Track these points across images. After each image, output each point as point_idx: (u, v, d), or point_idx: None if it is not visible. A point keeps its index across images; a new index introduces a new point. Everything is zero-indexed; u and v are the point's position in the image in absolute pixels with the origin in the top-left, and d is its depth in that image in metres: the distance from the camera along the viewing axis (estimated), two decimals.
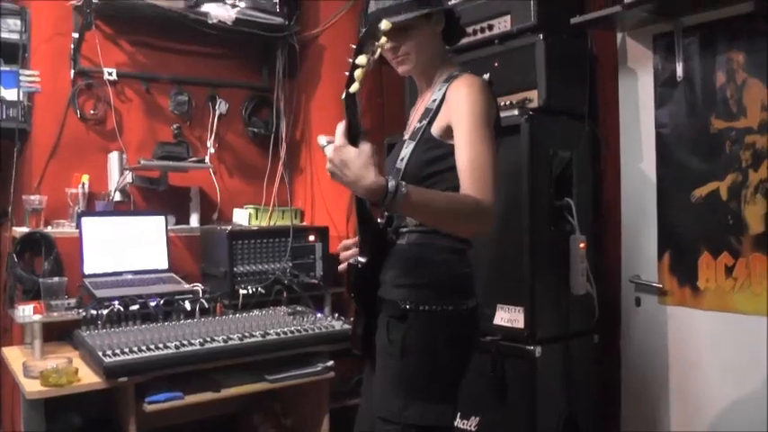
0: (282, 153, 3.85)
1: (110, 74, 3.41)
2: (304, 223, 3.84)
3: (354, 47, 1.59)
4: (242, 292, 3.19)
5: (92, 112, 3.40)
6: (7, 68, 3.17)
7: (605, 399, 2.86)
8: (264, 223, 3.68)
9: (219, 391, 2.61)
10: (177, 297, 2.98)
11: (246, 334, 2.73)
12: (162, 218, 3.36)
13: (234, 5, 3.50)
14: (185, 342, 2.58)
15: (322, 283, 3.46)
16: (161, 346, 2.52)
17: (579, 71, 2.81)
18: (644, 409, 2.80)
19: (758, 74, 2.45)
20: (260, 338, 2.72)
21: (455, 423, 2.47)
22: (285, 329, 2.83)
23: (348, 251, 2.00)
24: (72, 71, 3.34)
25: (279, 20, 3.65)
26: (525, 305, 2.53)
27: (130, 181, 3.42)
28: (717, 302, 2.57)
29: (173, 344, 2.54)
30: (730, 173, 2.52)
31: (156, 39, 3.60)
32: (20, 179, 3.23)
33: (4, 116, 3.12)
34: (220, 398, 2.63)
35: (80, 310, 2.83)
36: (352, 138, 1.59)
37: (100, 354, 2.41)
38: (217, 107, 3.78)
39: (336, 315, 3.17)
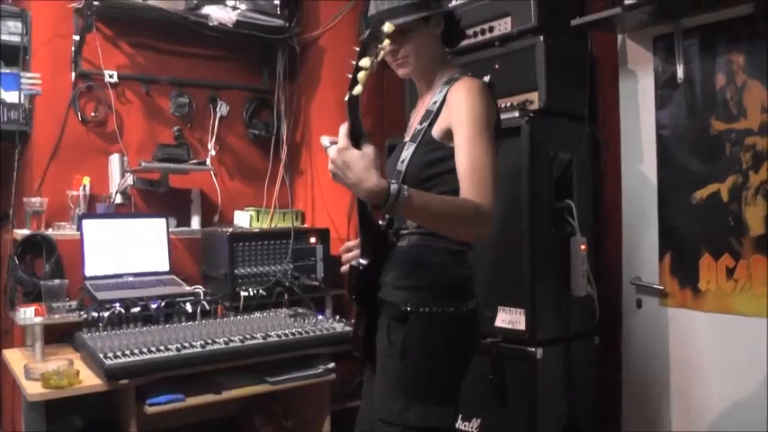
0: (283, 155, 3.86)
1: (110, 76, 3.41)
2: (305, 225, 3.84)
3: (357, 49, 1.59)
4: (243, 294, 3.19)
5: (92, 114, 3.40)
6: (8, 71, 3.18)
7: (606, 400, 2.86)
8: (265, 225, 3.69)
9: (220, 393, 2.62)
10: (178, 299, 2.99)
11: (247, 336, 2.73)
12: (163, 220, 3.36)
13: (234, 8, 3.50)
14: (186, 344, 2.58)
15: (323, 284, 3.46)
16: (162, 348, 2.52)
17: (579, 73, 2.81)
18: (645, 411, 2.80)
19: (758, 75, 2.45)
20: (261, 340, 2.72)
21: (456, 425, 2.48)
22: (286, 331, 2.83)
23: (350, 253, 2.00)
24: (73, 73, 3.34)
25: (279, 22, 3.65)
26: (526, 307, 2.53)
27: (131, 183, 3.43)
28: (718, 304, 2.57)
29: (174, 346, 2.55)
30: (731, 174, 2.52)
31: (156, 41, 3.60)
32: (21, 181, 3.24)
33: (5, 118, 3.13)
34: (221, 400, 2.63)
35: (81, 313, 2.82)
36: (355, 140, 1.59)
37: (101, 356, 2.41)
38: (217, 109, 3.79)
39: (337, 317, 3.17)
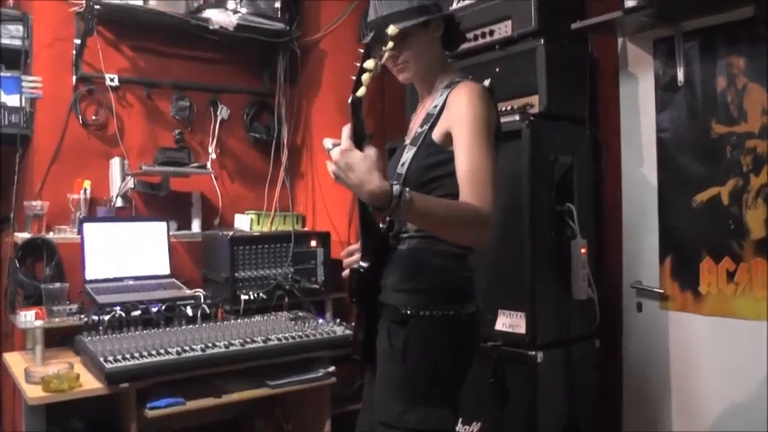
0: (284, 158, 3.86)
1: (111, 79, 3.42)
2: (305, 228, 3.84)
3: (362, 51, 1.59)
4: (243, 297, 3.19)
5: (93, 117, 3.41)
6: (9, 74, 3.19)
7: (606, 404, 2.86)
8: (266, 228, 3.69)
9: (221, 396, 2.62)
10: (179, 303, 2.99)
11: (248, 339, 2.73)
12: (163, 223, 3.36)
13: (235, 11, 3.51)
14: (187, 348, 2.58)
15: (323, 288, 3.46)
16: (162, 351, 2.53)
17: (580, 76, 2.81)
18: (645, 415, 2.80)
19: (759, 78, 2.45)
20: (261, 344, 2.72)
21: (456, 428, 2.48)
22: (286, 335, 2.83)
23: (352, 257, 2.01)
24: (74, 77, 3.35)
25: (280, 25, 3.66)
26: (526, 310, 2.53)
27: (132, 186, 3.43)
28: (718, 308, 2.56)
29: (174, 349, 2.55)
30: (731, 178, 2.52)
31: (157, 44, 3.61)
32: (21, 185, 3.24)
33: (6, 122, 3.13)
34: (222, 403, 2.63)
35: (81, 316, 2.83)
36: (358, 142, 1.59)
37: (101, 359, 2.41)
38: (218, 112, 3.79)
39: (338, 320, 3.17)
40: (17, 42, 3.20)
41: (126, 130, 3.50)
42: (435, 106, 1.88)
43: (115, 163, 3.41)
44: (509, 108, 2.72)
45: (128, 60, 3.52)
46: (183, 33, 3.51)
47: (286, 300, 3.31)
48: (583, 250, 2.60)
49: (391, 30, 1.59)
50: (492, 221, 1.69)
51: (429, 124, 1.86)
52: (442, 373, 1.82)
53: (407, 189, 1.58)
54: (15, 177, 3.22)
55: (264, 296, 3.25)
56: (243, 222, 3.69)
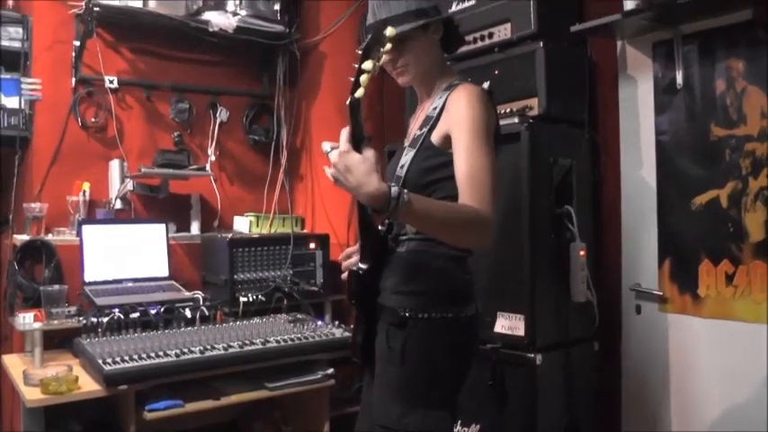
0: (283, 160, 3.86)
1: (111, 81, 3.42)
2: (304, 231, 3.84)
3: (360, 52, 1.60)
4: (242, 299, 3.19)
5: (93, 119, 3.41)
6: (8, 76, 3.19)
7: (606, 406, 2.85)
8: (265, 231, 3.69)
9: (220, 398, 2.62)
10: (177, 305, 2.99)
11: (247, 342, 2.73)
12: (162, 225, 3.36)
13: (235, 13, 3.51)
14: (185, 350, 2.58)
15: (322, 290, 3.46)
16: (161, 353, 2.52)
17: (579, 79, 2.81)
18: (645, 417, 2.79)
19: (758, 81, 2.45)
20: (260, 346, 2.72)
21: (455, 430, 2.48)
22: (285, 337, 2.83)
23: (350, 259, 2.01)
24: (73, 79, 3.35)
25: (279, 28, 3.67)
26: (525, 313, 2.53)
27: (131, 189, 3.43)
28: (717, 310, 2.56)
29: (173, 352, 2.55)
30: (730, 180, 2.52)
31: (157, 46, 3.61)
32: (21, 187, 3.24)
33: (6, 124, 3.13)
34: (220, 406, 2.63)
35: (80, 318, 2.83)
36: (356, 144, 1.59)
37: (100, 361, 2.41)
38: (217, 115, 3.79)
39: (336, 323, 3.17)
40: (17, 44, 3.20)
41: (125, 132, 3.50)
42: (434, 108, 1.88)
43: (114, 165, 3.41)
44: (508, 110, 2.72)
45: (127, 62, 3.52)
46: (183, 35, 3.51)
47: (285, 302, 3.31)
48: (582, 253, 2.60)
49: (389, 31, 1.59)
50: (492, 224, 1.69)
51: (428, 127, 1.86)
52: (440, 375, 1.82)
53: (406, 191, 1.58)
54: (14, 179, 3.22)
55: (263, 298, 3.25)
56: (242, 224, 3.69)
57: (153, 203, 3.54)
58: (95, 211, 3.32)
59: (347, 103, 1.59)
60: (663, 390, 2.74)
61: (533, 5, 2.66)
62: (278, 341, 2.78)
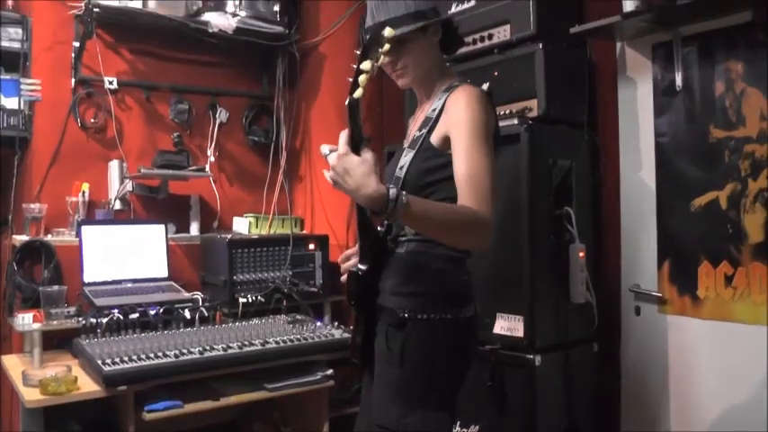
0: (282, 161, 3.86)
1: (110, 82, 3.41)
2: (304, 232, 3.84)
3: (359, 53, 1.60)
4: (241, 300, 3.19)
5: (92, 120, 3.41)
6: (8, 77, 3.19)
7: (605, 407, 2.86)
8: (264, 232, 3.69)
9: (219, 399, 2.61)
10: (177, 305, 2.99)
11: (246, 342, 2.73)
12: (162, 226, 3.36)
13: (234, 14, 3.51)
14: (185, 351, 2.58)
15: (321, 291, 3.46)
16: (160, 354, 2.52)
17: (579, 80, 2.82)
18: (644, 418, 2.80)
19: (757, 83, 2.45)
20: (259, 347, 2.72)
21: (454, 431, 2.48)
22: (284, 338, 2.83)
23: (349, 262, 2.01)
24: (73, 80, 3.34)
25: (279, 29, 3.67)
26: (525, 314, 2.53)
27: (130, 189, 3.43)
28: (716, 312, 2.56)
29: (172, 352, 2.54)
30: (729, 182, 2.53)
31: (156, 47, 3.61)
32: (20, 187, 3.24)
33: (5, 124, 3.13)
34: (220, 406, 2.62)
35: (79, 319, 2.83)
36: (355, 146, 1.60)
37: (99, 362, 2.41)
38: (217, 115, 3.79)
39: (336, 324, 3.17)
40: (16, 45, 3.20)
41: (125, 133, 3.50)
42: (434, 110, 1.88)
43: (114, 166, 3.41)
44: (508, 112, 2.73)
45: (127, 63, 3.52)
46: (182, 36, 3.51)
47: (284, 303, 3.31)
48: (581, 254, 2.61)
49: (388, 32, 1.59)
50: (491, 225, 1.69)
51: (427, 128, 1.86)
52: (439, 376, 1.82)
53: (404, 192, 1.58)
54: (14, 180, 3.22)
55: (263, 299, 3.25)
56: (241, 225, 3.69)
57: (152, 204, 3.54)
58: (95, 212, 3.32)
59: (346, 103, 1.59)
60: (662, 391, 2.74)
61: (533, 7, 2.66)
62: (277, 342, 2.78)
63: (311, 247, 3.47)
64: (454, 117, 1.80)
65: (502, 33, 2.78)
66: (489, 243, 1.71)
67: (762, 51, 2.43)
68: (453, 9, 2.94)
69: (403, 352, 1.79)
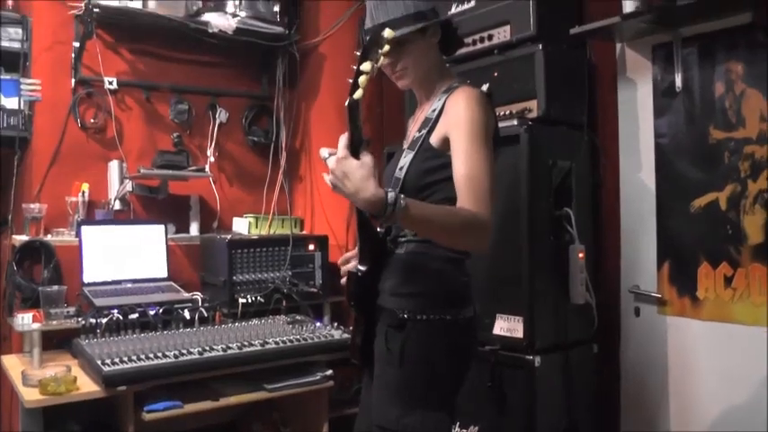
0: (282, 162, 3.86)
1: (110, 82, 3.42)
2: (304, 232, 3.84)
3: (359, 54, 1.60)
4: (241, 300, 3.19)
5: (92, 120, 3.41)
6: (8, 77, 3.19)
7: (604, 408, 2.86)
8: (264, 232, 3.69)
9: (218, 400, 2.61)
10: (176, 306, 2.99)
11: (245, 343, 2.73)
12: (161, 226, 3.36)
13: (234, 15, 3.51)
14: (184, 351, 2.57)
15: (321, 291, 3.46)
16: (160, 354, 2.52)
17: (578, 81, 2.82)
18: (643, 419, 2.80)
19: (757, 84, 2.45)
20: (259, 347, 2.72)
21: None
22: (284, 338, 2.83)
23: (349, 264, 2.01)
24: (73, 80, 3.34)
25: (279, 29, 3.67)
26: (524, 315, 2.53)
27: (130, 189, 3.43)
28: (716, 313, 2.56)
29: (172, 353, 2.54)
30: (729, 183, 2.53)
31: (156, 48, 3.61)
32: (20, 187, 3.24)
33: (5, 124, 3.13)
34: (219, 407, 2.62)
35: (79, 319, 2.83)
36: (354, 148, 1.60)
37: (99, 362, 2.41)
38: (217, 116, 3.79)
39: (335, 324, 3.17)
40: (16, 45, 3.20)
41: (125, 133, 3.50)
42: (433, 111, 1.88)
43: (114, 166, 3.41)
44: (507, 113, 2.72)
45: (127, 63, 3.53)
46: (182, 37, 3.51)
47: (284, 303, 3.31)
48: (581, 255, 2.61)
49: (387, 32, 1.59)
50: (490, 227, 1.69)
51: (427, 129, 1.86)
52: (439, 377, 1.82)
53: (402, 196, 1.58)
54: (14, 180, 3.22)
55: (262, 299, 3.25)
56: (241, 226, 3.69)
57: (152, 204, 3.54)
58: (94, 212, 3.32)
59: (346, 104, 1.59)
60: (662, 392, 2.74)
61: (533, 8, 2.66)
62: (277, 342, 2.78)
63: (311, 247, 3.47)
64: (454, 118, 1.80)
65: (502, 34, 2.77)
66: (488, 245, 1.71)
67: (762, 52, 2.43)
68: (453, 9, 2.94)
69: (402, 353, 1.79)
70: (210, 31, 3.45)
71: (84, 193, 3.28)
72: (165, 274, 3.31)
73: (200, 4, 3.50)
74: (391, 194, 1.56)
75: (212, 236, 3.51)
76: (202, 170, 3.54)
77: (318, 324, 3.12)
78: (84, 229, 3.13)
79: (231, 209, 3.80)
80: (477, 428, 2.58)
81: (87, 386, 2.45)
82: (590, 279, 2.67)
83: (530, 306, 2.52)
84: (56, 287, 2.88)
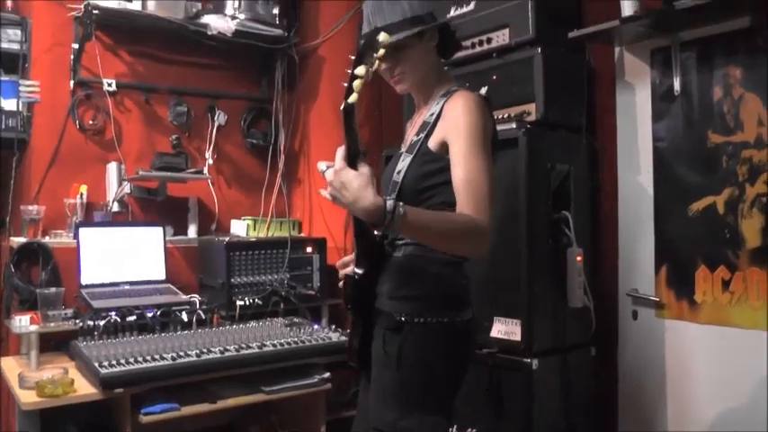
0: (281, 164, 3.86)
1: (109, 84, 3.42)
2: (302, 234, 3.84)
3: (354, 58, 1.60)
4: (239, 303, 3.19)
5: (91, 122, 3.41)
6: (7, 78, 3.19)
7: (602, 411, 2.86)
8: (262, 234, 3.68)
9: (216, 402, 2.61)
10: (174, 308, 2.99)
11: (243, 345, 2.72)
12: (160, 229, 3.36)
13: (233, 17, 3.51)
14: (182, 353, 2.57)
15: (319, 294, 3.46)
16: (157, 357, 2.52)
17: (577, 85, 2.82)
18: (641, 423, 2.79)
19: (755, 88, 2.46)
20: (257, 350, 2.72)
21: None
22: (282, 341, 2.82)
23: (347, 268, 2.00)
24: (72, 81, 3.35)
25: (278, 31, 3.67)
26: (522, 318, 2.53)
27: (129, 191, 3.42)
28: (714, 316, 2.56)
29: (169, 355, 2.54)
30: (727, 187, 2.53)
31: (155, 50, 3.61)
32: (18, 189, 3.24)
33: (4, 126, 3.13)
34: (217, 409, 2.62)
35: (77, 321, 2.82)
36: (352, 158, 1.60)
37: (96, 365, 2.41)
38: (216, 118, 3.79)
39: (333, 327, 3.17)
40: (15, 46, 3.20)
41: (123, 135, 3.50)
42: (432, 114, 1.88)
43: (112, 168, 3.41)
44: (506, 116, 2.72)
45: (126, 65, 3.53)
46: (182, 39, 3.51)
47: (282, 306, 3.31)
48: (579, 258, 2.61)
49: (382, 36, 1.60)
50: (489, 232, 1.69)
51: (425, 132, 1.86)
52: (436, 380, 1.82)
53: (401, 204, 1.58)
54: (12, 181, 3.21)
55: (260, 302, 3.25)
56: (239, 228, 3.69)
57: (150, 206, 3.54)
58: (93, 214, 3.32)
59: (341, 108, 1.59)
60: (659, 395, 2.74)
61: (532, 11, 2.66)
62: (274, 345, 2.78)
63: (309, 249, 3.47)
64: (452, 122, 1.80)
65: (501, 37, 2.78)
66: (487, 250, 1.71)
67: (760, 57, 2.43)
68: (452, 12, 2.94)
69: (400, 355, 1.79)
70: (210, 33, 3.46)
71: (82, 194, 3.28)
72: (163, 276, 3.31)
73: (199, 6, 3.50)
74: (390, 202, 1.56)
75: (210, 238, 3.51)
76: (201, 172, 3.54)
77: (316, 326, 3.12)
78: (83, 230, 3.12)
79: (229, 211, 3.79)
80: (474, 431, 2.58)
81: (84, 388, 2.44)
82: (588, 282, 2.67)
83: (528, 309, 2.52)
84: (53, 289, 2.88)
